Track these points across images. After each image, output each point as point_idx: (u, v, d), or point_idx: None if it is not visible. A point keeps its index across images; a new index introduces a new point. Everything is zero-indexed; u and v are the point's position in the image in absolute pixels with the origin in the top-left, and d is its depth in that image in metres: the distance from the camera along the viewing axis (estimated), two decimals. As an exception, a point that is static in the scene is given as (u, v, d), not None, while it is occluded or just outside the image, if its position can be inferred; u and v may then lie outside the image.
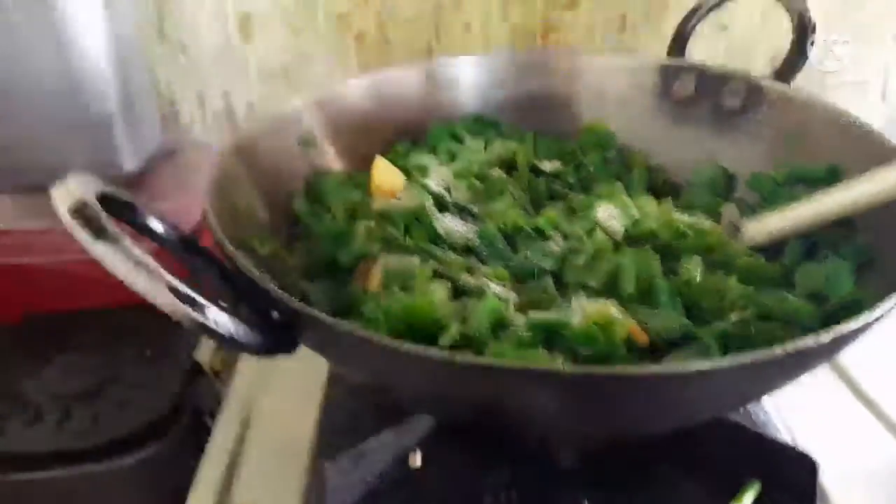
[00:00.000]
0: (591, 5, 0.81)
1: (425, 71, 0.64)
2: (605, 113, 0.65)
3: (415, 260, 0.45)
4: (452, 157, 0.59)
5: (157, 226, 0.37)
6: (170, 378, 0.56)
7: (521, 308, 0.43)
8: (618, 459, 0.45)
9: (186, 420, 0.55)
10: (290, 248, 0.51)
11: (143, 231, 0.37)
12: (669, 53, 0.68)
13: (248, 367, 0.57)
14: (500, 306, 0.41)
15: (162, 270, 0.31)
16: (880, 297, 0.34)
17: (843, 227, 0.47)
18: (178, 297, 0.30)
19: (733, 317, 0.40)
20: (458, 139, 0.62)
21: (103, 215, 0.30)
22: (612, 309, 0.41)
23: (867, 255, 0.44)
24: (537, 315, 0.40)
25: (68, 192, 0.31)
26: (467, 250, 0.49)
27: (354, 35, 0.83)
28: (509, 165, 0.59)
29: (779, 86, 0.58)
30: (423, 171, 0.56)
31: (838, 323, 0.32)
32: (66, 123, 0.64)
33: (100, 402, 0.54)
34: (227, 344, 0.32)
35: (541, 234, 0.50)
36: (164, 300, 0.30)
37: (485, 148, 0.61)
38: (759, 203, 0.54)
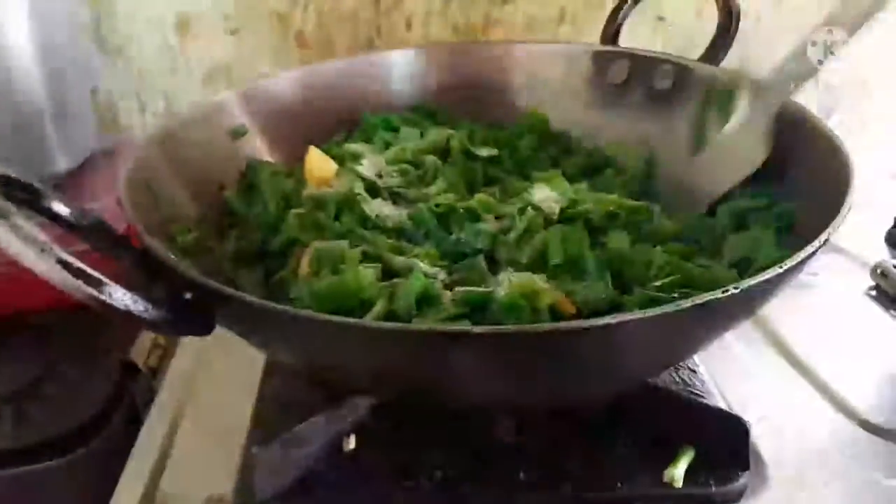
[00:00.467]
0: (531, -1, 0.82)
1: (358, 63, 0.64)
2: (542, 100, 0.65)
3: (344, 244, 0.45)
4: (387, 146, 0.59)
5: (61, 209, 0.36)
6: (103, 377, 0.55)
7: (451, 286, 0.42)
8: (553, 432, 0.45)
9: (121, 418, 0.53)
10: (220, 237, 0.50)
11: (48, 216, 0.36)
12: (603, 42, 0.69)
13: (183, 362, 0.55)
14: (427, 283, 0.40)
15: (54, 246, 0.30)
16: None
17: (766, 196, 0.48)
18: (69, 272, 0.30)
19: (657, 284, 0.40)
20: (392, 129, 0.62)
21: (-7, 190, 0.29)
22: (536, 281, 0.41)
23: (789, 220, 0.45)
24: (462, 290, 0.40)
25: (-44, 168, 0.30)
26: (399, 233, 0.49)
27: (295, 34, 0.82)
28: (444, 152, 0.59)
29: (707, 67, 0.59)
30: (357, 158, 0.55)
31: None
32: (-2, 124, 0.63)
33: (31, 402, 0.53)
34: (127, 319, 0.31)
35: (474, 215, 0.49)
36: (55, 275, 0.29)
37: (420, 136, 0.61)
38: None
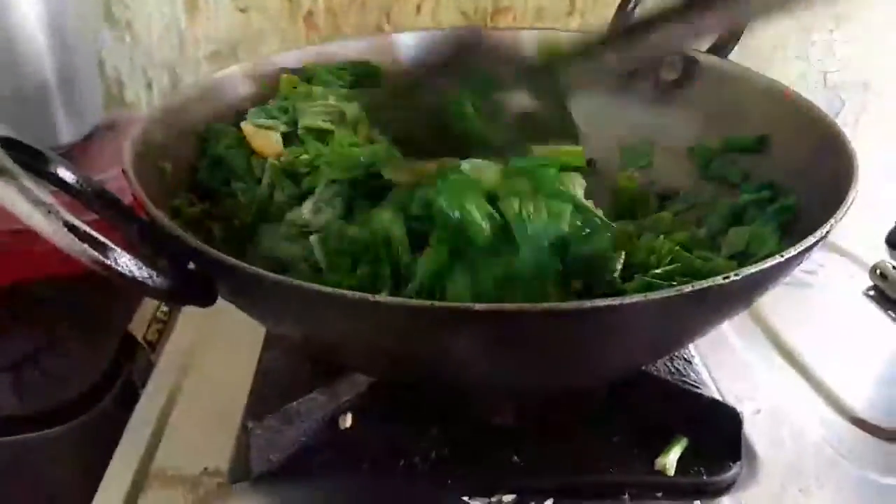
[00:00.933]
0: (540, -13, 0.82)
1: (369, 43, 0.64)
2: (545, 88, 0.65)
3: None
4: None
5: (67, 175, 0.36)
6: (102, 349, 0.55)
7: None
8: (549, 417, 0.45)
9: (118, 391, 0.54)
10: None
11: (53, 182, 0.36)
12: (612, 32, 0.69)
13: (182, 336, 0.56)
14: None
15: (62, 209, 0.30)
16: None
17: (768, 189, 0.48)
18: (77, 237, 0.30)
19: (658, 271, 0.40)
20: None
21: (1, 153, 0.30)
22: None
23: (790, 214, 0.45)
24: None
25: (-36, 129, 0.30)
26: None
27: (304, 14, 0.82)
28: None
29: (713, 59, 0.59)
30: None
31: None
32: (2, 93, 0.63)
33: (30, 371, 0.53)
34: (132, 285, 0.31)
35: None
36: (61, 238, 0.29)
37: None
38: (696, 173, 0.55)
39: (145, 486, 0.43)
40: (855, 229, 0.65)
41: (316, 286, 0.31)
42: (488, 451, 0.43)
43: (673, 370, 0.47)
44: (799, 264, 0.35)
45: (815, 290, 0.60)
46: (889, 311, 0.59)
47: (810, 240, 0.34)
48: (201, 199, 0.48)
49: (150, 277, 0.32)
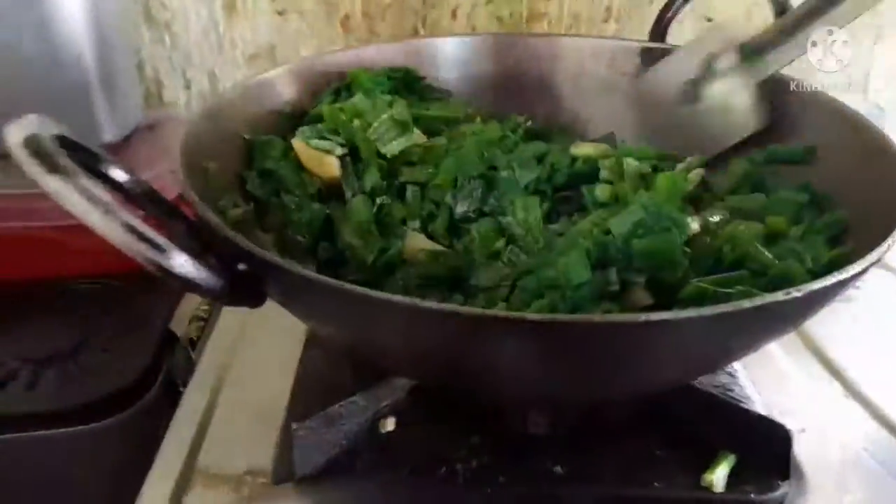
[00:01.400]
0: (576, -5, 0.81)
1: (407, 48, 0.64)
2: (584, 96, 0.65)
3: None
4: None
5: (119, 175, 0.36)
6: (143, 346, 0.55)
7: None
8: (591, 428, 0.45)
9: (159, 388, 0.54)
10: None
11: (103, 180, 0.37)
12: (651, 40, 0.68)
13: (224, 335, 0.56)
14: None
15: (118, 208, 0.30)
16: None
17: (819, 202, 0.47)
18: (134, 236, 0.30)
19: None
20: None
21: (58, 150, 0.30)
22: None
23: (840, 227, 0.44)
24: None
25: (23, 127, 0.30)
26: None
27: (341, 18, 0.82)
28: None
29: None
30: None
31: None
32: (45, 92, 0.64)
33: (71, 366, 0.54)
34: (186, 286, 0.31)
35: None
36: (119, 238, 0.30)
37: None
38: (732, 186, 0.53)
39: (190, 485, 0.43)
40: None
41: (367, 291, 0.31)
42: (529, 460, 0.43)
43: (717, 384, 0.46)
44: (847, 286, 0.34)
45: (859, 303, 0.59)
46: (934, 325, 0.57)
47: (874, 255, 0.33)
48: (245, 200, 0.48)
49: (205, 279, 0.32)
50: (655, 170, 0.50)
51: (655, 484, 0.41)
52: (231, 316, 0.58)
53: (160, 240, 0.31)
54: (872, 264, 0.33)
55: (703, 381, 0.47)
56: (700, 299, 0.36)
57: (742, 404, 0.44)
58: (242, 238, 0.34)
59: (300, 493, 0.42)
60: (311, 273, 0.32)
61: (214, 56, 0.83)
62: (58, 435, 0.50)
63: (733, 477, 0.41)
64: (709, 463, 0.42)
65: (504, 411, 0.45)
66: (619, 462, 0.43)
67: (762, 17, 0.63)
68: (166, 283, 0.31)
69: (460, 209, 0.49)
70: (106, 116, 0.68)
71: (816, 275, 0.36)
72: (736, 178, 0.53)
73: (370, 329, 0.34)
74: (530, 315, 0.30)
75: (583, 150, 0.55)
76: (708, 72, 0.56)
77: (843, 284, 0.33)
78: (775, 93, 0.55)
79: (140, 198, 0.39)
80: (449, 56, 0.65)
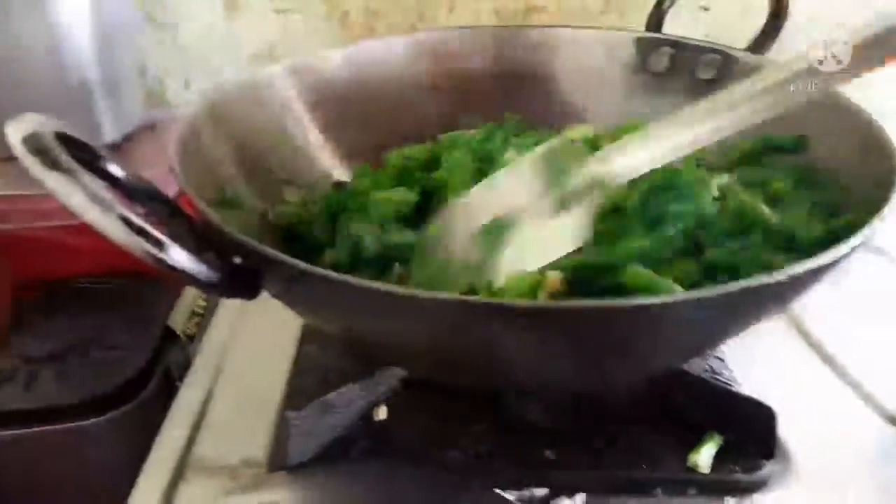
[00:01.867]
0: (574, -14, 0.82)
1: (406, 42, 0.65)
2: (583, 86, 0.65)
3: None
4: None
5: (119, 172, 0.37)
6: (141, 342, 0.57)
7: None
8: (583, 414, 0.46)
9: (157, 383, 0.55)
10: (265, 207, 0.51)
11: (102, 177, 0.38)
12: (647, 30, 0.69)
13: (220, 330, 0.57)
14: None
15: (116, 203, 0.31)
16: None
17: (813, 184, 0.48)
18: (132, 231, 0.31)
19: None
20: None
21: (57, 147, 0.31)
22: None
23: (833, 204, 0.45)
24: None
25: (23, 125, 0.31)
26: None
27: (340, 15, 0.83)
28: None
29: (753, 57, 0.59)
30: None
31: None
32: (47, 92, 0.65)
33: (73, 362, 0.55)
34: (183, 278, 0.33)
35: None
36: (117, 233, 0.31)
37: None
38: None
39: (185, 476, 0.44)
40: (884, 226, 0.64)
41: (363, 282, 0.32)
42: (521, 445, 0.44)
43: (706, 367, 0.47)
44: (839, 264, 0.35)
45: (849, 287, 0.60)
46: (925, 310, 0.58)
47: (860, 237, 0.34)
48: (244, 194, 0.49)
49: (202, 272, 0.33)
50: None
51: (643, 466, 0.42)
52: (228, 312, 0.59)
53: (158, 234, 0.32)
54: (860, 244, 0.34)
55: (692, 365, 0.48)
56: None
57: (729, 386, 0.45)
58: (236, 232, 0.35)
59: (294, 480, 0.43)
60: (303, 264, 0.33)
61: (216, 55, 0.85)
62: (57, 431, 0.51)
63: (719, 457, 0.42)
64: (696, 444, 0.43)
65: (497, 399, 0.46)
66: (609, 445, 0.44)
67: (756, 8, 0.63)
68: (165, 277, 0.32)
69: None
70: (107, 117, 0.69)
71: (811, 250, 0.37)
72: (738, 153, 0.54)
73: (366, 319, 0.35)
74: (520, 302, 0.31)
75: (578, 131, 0.56)
76: None
77: (832, 265, 0.34)
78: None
79: (140, 195, 0.40)
80: (448, 49, 0.66)
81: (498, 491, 0.42)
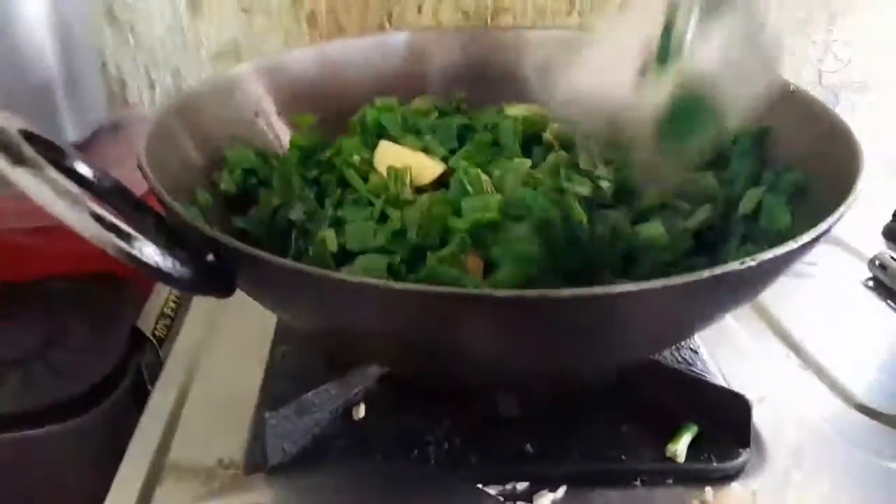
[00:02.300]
0: (540, -13, 0.83)
1: (374, 42, 0.65)
2: (550, 87, 0.66)
3: None
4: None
5: (85, 170, 0.36)
6: (111, 345, 0.55)
7: None
8: (561, 408, 0.46)
9: (127, 386, 0.54)
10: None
11: (69, 175, 0.37)
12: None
13: (192, 332, 0.56)
14: None
15: (87, 199, 0.30)
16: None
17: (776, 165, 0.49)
18: (103, 226, 0.30)
19: None
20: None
21: (24, 143, 0.30)
22: None
23: (799, 187, 0.46)
24: None
25: (-12, 121, 0.30)
26: None
27: (306, 15, 0.83)
28: None
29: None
30: None
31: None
32: (8, 91, 0.64)
33: (38, 367, 0.54)
34: (155, 275, 0.32)
35: None
36: (87, 228, 0.30)
37: None
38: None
39: (161, 479, 0.43)
40: (853, 223, 0.66)
41: (337, 274, 0.31)
42: (501, 440, 0.44)
43: (681, 359, 0.48)
44: (808, 251, 0.36)
45: (816, 281, 0.62)
46: (888, 301, 0.60)
47: (825, 224, 0.34)
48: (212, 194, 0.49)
49: (174, 267, 0.32)
50: None
51: (622, 457, 0.43)
52: (199, 313, 0.58)
53: (130, 230, 0.31)
54: (824, 233, 0.35)
55: (668, 358, 0.48)
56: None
57: (704, 377, 0.46)
58: (208, 227, 0.35)
59: (271, 482, 0.42)
60: (277, 258, 0.32)
61: (179, 55, 0.83)
62: (25, 436, 0.50)
63: (696, 446, 0.43)
64: (672, 435, 0.43)
65: (475, 395, 0.46)
66: (588, 439, 0.44)
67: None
68: (133, 279, 0.32)
69: None
70: (69, 116, 0.68)
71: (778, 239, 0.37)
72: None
73: (338, 312, 0.35)
74: (498, 292, 0.31)
75: (516, 110, 0.58)
76: None
77: (798, 251, 0.34)
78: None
79: (107, 193, 0.39)
80: (416, 50, 0.66)
81: (479, 486, 0.41)
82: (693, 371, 0.47)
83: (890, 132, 0.88)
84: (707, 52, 0.41)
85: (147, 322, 0.59)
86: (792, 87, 0.53)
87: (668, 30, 0.41)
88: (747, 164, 0.51)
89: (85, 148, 0.69)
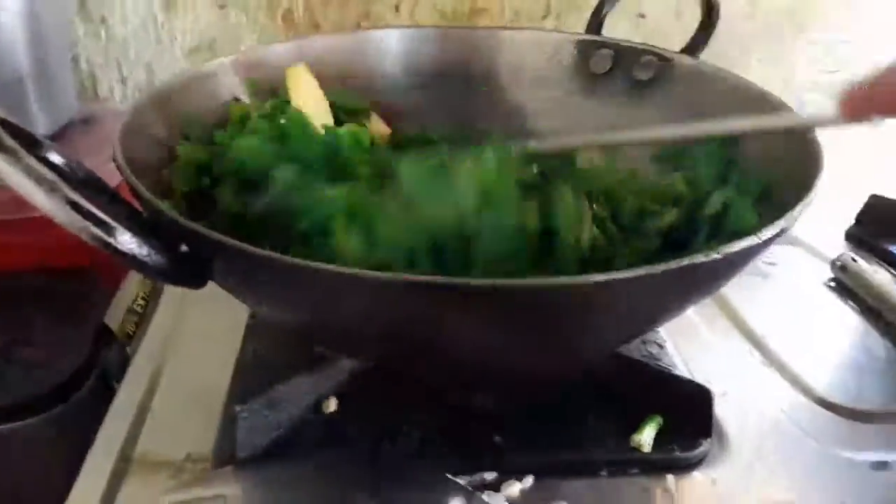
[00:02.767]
0: (517, -9, 0.84)
1: (349, 40, 0.65)
2: (524, 86, 0.67)
3: None
4: None
5: (57, 159, 0.36)
6: (77, 341, 0.55)
7: None
8: (530, 400, 0.47)
9: (93, 383, 0.53)
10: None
11: (45, 165, 0.37)
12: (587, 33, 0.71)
13: (160, 328, 0.56)
14: None
15: (63, 185, 0.30)
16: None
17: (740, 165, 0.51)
18: (79, 214, 0.30)
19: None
20: None
21: (1, 131, 0.30)
22: None
23: (766, 188, 0.47)
24: None
25: (-39, 108, 0.30)
26: None
27: (282, 13, 0.83)
28: None
29: (687, 59, 0.61)
30: None
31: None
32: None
33: (2, 364, 0.53)
34: (131, 264, 0.32)
35: None
36: (64, 215, 0.30)
37: None
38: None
39: (128, 472, 0.43)
40: (817, 225, 0.68)
41: (310, 262, 0.32)
42: (470, 432, 0.45)
43: (646, 353, 0.49)
44: (773, 243, 0.37)
45: (780, 280, 0.63)
46: (849, 301, 0.62)
47: (783, 222, 0.36)
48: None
49: (150, 256, 0.32)
50: None
51: (588, 448, 0.44)
52: (168, 308, 0.58)
53: (107, 218, 0.31)
54: (784, 230, 0.36)
55: (634, 353, 0.49)
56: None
57: (668, 370, 0.47)
58: (182, 217, 0.35)
59: (241, 475, 0.42)
60: (253, 248, 0.32)
61: (151, 50, 0.83)
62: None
63: (660, 437, 0.44)
64: (637, 426, 0.44)
65: (445, 388, 0.47)
66: (556, 430, 0.45)
67: (691, 16, 0.66)
68: (101, 273, 0.32)
69: None
70: (40, 109, 0.67)
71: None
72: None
73: (320, 302, 0.35)
74: (474, 281, 0.32)
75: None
76: None
77: (760, 246, 0.35)
78: (702, 81, 0.58)
79: (80, 183, 0.39)
80: (392, 49, 0.66)
81: (449, 476, 0.42)
82: (658, 364, 0.48)
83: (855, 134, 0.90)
84: None
85: (115, 318, 0.58)
86: (756, 88, 0.54)
87: None
88: (714, 166, 0.52)
89: (56, 141, 0.69)
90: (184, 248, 0.37)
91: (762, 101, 0.54)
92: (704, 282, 0.37)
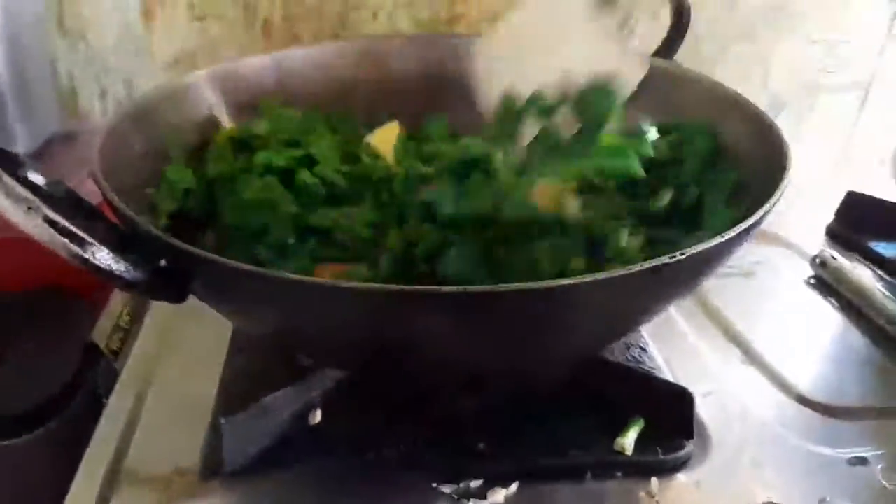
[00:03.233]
0: (494, -3, 0.84)
1: (328, 50, 0.66)
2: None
3: None
4: None
5: (36, 178, 0.36)
6: (64, 359, 0.55)
7: None
8: (513, 407, 0.47)
9: (81, 400, 0.53)
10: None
11: (22, 184, 0.37)
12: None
13: (146, 344, 0.56)
14: None
15: (41, 204, 0.30)
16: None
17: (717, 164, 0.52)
18: (57, 231, 0.30)
19: None
20: None
21: (-26, 150, 0.30)
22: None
23: (737, 185, 0.48)
24: None
25: (-63, 128, 0.30)
26: None
27: (261, 23, 0.83)
28: None
29: (660, 61, 0.62)
30: None
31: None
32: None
33: (-10, 381, 0.53)
34: (109, 279, 0.32)
35: None
36: (42, 233, 0.30)
37: None
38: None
39: (117, 488, 0.43)
40: (796, 223, 0.69)
41: (291, 275, 0.32)
42: (455, 439, 0.45)
43: (629, 357, 0.50)
44: (742, 243, 0.37)
45: (760, 279, 0.64)
46: (829, 298, 0.62)
47: (749, 220, 0.36)
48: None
49: (127, 271, 0.32)
50: None
51: (572, 452, 0.44)
52: (154, 324, 0.58)
53: (84, 235, 0.31)
54: (751, 227, 0.37)
55: (617, 356, 0.50)
56: None
57: (650, 373, 0.48)
58: (162, 232, 0.35)
59: (228, 487, 0.43)
60: (233, 262, 0.33)
61: (131, 64, 0.82)
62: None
63: (643, 440, 0.44)
64: (620, 429, 0.45)
65: (429, 397, 0.47)
66: (539, 436, 0.45)
67: (667, 16, 0.67)
68: (87, 291, 0.32)
69: None
70: (20, 126, 0.67)
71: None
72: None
73: (300, 315, 0.35)
74: (445, 288, 0.32)
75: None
76: None
77: (727, 244, 0.36)
78: (676, 83, 0.59)
79: (60, 201, 0.39)
80: (371, 56, 0.67)
81: (434, 485, 0.42)
82: (641, 367, 0.48)
83: (835, 132, 0.91)
84: None
85: (101, 336, 0.58)
86: (729, 90, 0.55)
87: None
88: (698, 164, 0.53)
89: (37, 158, 0.69)
90: (163, 262, 0.37)
91: (735, 103, 0.54)
92: (676, 282, 0.37)
